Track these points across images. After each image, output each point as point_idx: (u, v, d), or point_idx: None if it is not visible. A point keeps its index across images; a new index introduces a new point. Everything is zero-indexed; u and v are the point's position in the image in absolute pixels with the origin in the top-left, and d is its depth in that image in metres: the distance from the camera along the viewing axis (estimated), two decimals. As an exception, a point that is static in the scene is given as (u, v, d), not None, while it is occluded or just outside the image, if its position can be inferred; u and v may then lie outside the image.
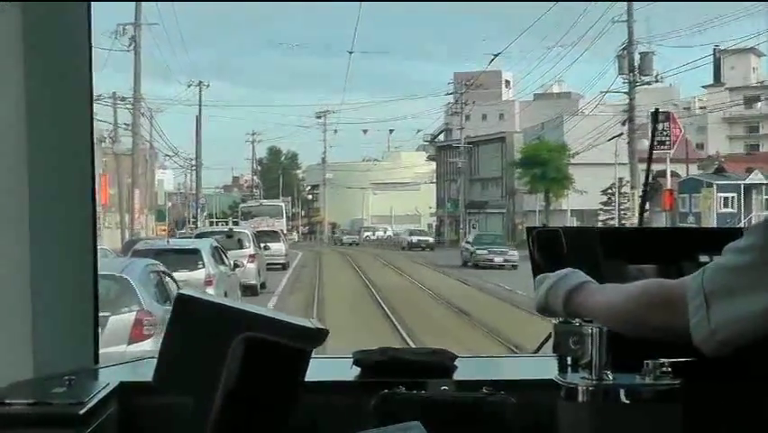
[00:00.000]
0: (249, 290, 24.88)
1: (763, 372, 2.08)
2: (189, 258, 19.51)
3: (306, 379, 2.31)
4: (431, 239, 72.26)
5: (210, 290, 18.18)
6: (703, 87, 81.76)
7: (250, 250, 27.79)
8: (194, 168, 62.22)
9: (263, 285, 28.43)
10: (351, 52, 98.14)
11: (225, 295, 19.24)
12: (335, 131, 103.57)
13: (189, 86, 64.13)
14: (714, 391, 2.41)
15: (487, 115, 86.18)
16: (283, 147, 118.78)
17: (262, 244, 33.32)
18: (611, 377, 2.28)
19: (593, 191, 60.78)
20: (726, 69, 78.21)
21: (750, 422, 2.40)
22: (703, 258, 2.66)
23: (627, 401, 2.27)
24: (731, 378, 2.28)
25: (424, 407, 2.35)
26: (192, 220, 53.62)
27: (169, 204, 74.53)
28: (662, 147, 40.95)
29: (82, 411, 2.14)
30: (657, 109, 3.85)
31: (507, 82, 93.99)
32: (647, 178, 3.44)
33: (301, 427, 2.34)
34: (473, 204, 77.36)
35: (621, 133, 48.71)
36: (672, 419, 2.26)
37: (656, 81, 49.18)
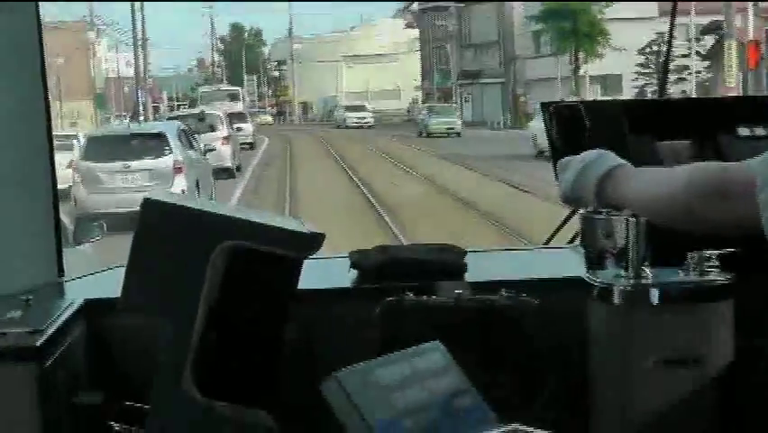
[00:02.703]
0: (225, 173, 24.86)
1: None
2: (154, 144, 18.65)
3: (299, 287, 2.18)
4: (368, 116, 68.32)
5: (179, 178, 17.90)
6: None
7: (223, 132, 27.67)
8: (141, 45, 59.66)
9: (239, 168, 28.57)
10: None
11: (197, 183, 18.95)
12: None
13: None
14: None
15: None
16: (247, 23, 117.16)
17: (234, 125, 33.52)
18: (650, 274, 2.17)
19: (629, 52, 51.12)
20: None
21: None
22: (743, 131, 2.53)
23: (671, 301, 2.16)
24: None
25: (437, 316, 2.23)
26: (140, 109, 51.21)
27: (125, 89, 72.43)
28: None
29: (40, 342, 1.98)
30: None
31: None
32: (671, 31, 3.25)
33: (296, 343, 2.22)
34: (466, 74, 70.11)
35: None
36: (724, 319, 2.15)
37: None
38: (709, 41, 48.85)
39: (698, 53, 49.32)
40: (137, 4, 52.79)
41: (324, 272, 2.59)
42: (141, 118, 42.27)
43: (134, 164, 18.04)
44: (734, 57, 30.44)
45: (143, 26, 56.17)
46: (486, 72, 67.14)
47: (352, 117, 68.18)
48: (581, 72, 53.27)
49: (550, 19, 53.61)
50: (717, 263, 2.17)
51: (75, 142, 23.74)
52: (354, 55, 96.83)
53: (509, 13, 66.23)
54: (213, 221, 1.92)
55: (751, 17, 31.71)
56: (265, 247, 1.92)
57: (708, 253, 2.16)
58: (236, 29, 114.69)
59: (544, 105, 2.52)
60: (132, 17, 51.07)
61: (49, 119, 2.61)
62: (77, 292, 2.44)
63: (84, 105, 60.47)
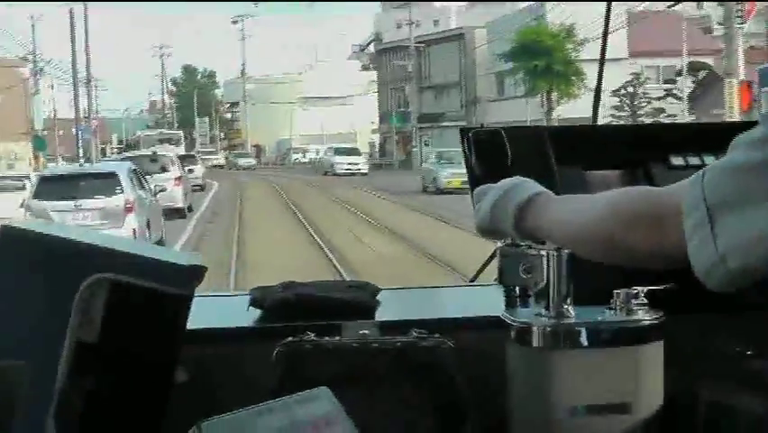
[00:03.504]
0: (176, 213, 25.88)
1: (764, 298, 1.80)
2: (106, 183, 19.20)
3: (191, 326, 2.03)
4: (361, 163, 61.92)
5: (130, 217, 18.48)
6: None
7: (175, 172, 28.50)
8: (88, 86, 58.09)
9: (190, 208, 29.53)
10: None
11: (148, 223, 19.47)
12: (248, 38, 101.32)
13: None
14: (701, 324, 2.18)
15: (420, 23, 79.67)
16: (200, 64, 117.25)
17: (186, 167, 34.67)
18: (573, 312, 2.04)
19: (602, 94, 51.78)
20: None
21: (746, 362, 2.17)
22: (676, 160, 2.43)
23: (595, 343, 2.03)
24: (721, 308, 2.03)
25: (339, 357, 2.08)
26: (81, 153, 50.10)
27: (63, 132, 71.17)
28: (733, 20, 30.38)
29: None
30: None
31: None
32: (603, 53, 3.16)
33: (186, 387, 2.07)
34: (425, 117, 69.65)
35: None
36: (654, 361, 2.02)
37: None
38: (684, 82, 48.96)
39: (673, 95, 49.54)
40: (80, 39, 52.17)
41: (222, 311, 2.45)
42: (82, 159, 42.28)
43: (85, 203, 18.64)
44: (735, 98, 29.52)
45: (88, 64, 55.60)
46: (447, 115, 66.39)
47: (343, 163, 60.71)
48: (554, 115, 50.81)
49: (522, 57, 51.59)
50: (645, 301, 2.04)
51: (27, 182, 24.73)
52: (308, 97, 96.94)
53: (471, 53, 65.95)
54: (80, 250, 1.77)
55: (741, 55, 30.72)
56: (136, 280, 1.76)
57: (635, 289, 2.04)
58: (189, 71, 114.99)
59: (463, 131, 2.39)
60: (72, 49, 50.36)
61: None
62: None
63: (22, 147, 58.89)
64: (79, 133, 50.13)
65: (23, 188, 24.06)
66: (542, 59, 49.96)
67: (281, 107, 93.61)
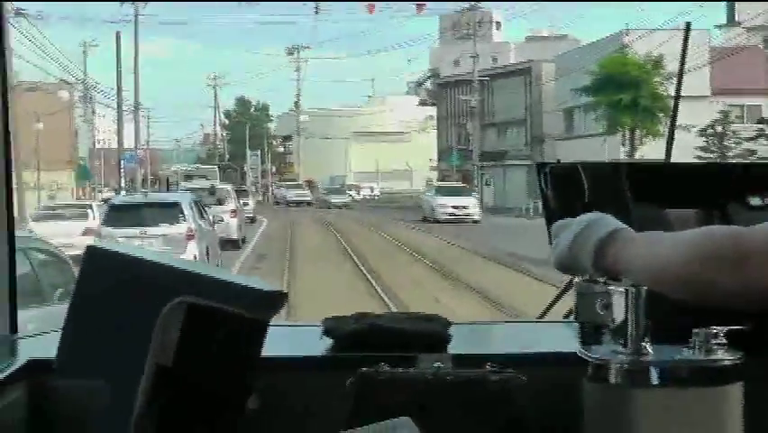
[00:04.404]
0: (230, 244, 27.70)
1: None
2: (169, 212, 20.81)
3: (265, 354, 2.09)
4: (471, 206, 47.38)
5: (192, 245, 20.01)
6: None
7: (231, 205, 30.90)
8: (135, 113, 57.52)
9: (244, 239, 31.43)
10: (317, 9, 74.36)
11: (207, 251, 20.95)
12: (303, 69, 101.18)
13: (122, 3, 54.88)
14: None
15: (479, 58, 78.55)
16: (253, 97, 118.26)
17: (241, 201, 36.62)
18: (651, 351, 2.06)
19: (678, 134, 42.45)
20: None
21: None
22: (755, 201, 2.45)
23: (674, 383, 2.06)
24: None
25: (414, 389, 2.12)
26: (126, 185, 50.40)
27: (114, 161, 71.11)
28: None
29: None
30: (689, 23, 3.56)
31: (498, 24, 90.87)
32: (677, 99, 3.20)
33: (260, 414, 2.12)
34: (487, 155, 65.92)
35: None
36: (732, 403, 2.04)
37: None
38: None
39: (765, 135, 46.05)
40: (128, 67, 52.16)
41: (296, 340, 2.50)
42: (123, 191, 43.36)
43: (151, 230, 20.39)
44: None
45: (136, 90, 55.46)
46: (511, 154, 64.05)
47: (447, 206, 46.65)
48: (637, 155, 45.18)
49: (605, 90, 46.36)
50: (724, 341, 2.06)
51: (89, 211, 27.20)
52: (364, 132, 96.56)
53: (538, 88, 63.67)
54: (164, 275, 1.83)
55: None
56: (220, 305, 1.82)
57: (715, 329, 2.06)
58: (242, 103, 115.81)
59: (540, 166, 2.44)
60: (118, 74, 50.29)
61: (8, 184, 2.61)
62: (29, 351, 2.36)
63: (65, 176, 58.09)
64: (122, 162, 50.52)
65: (86, 216, 26.14)
66: (627, 93, 45.24)
67: (335, 142, 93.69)
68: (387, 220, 46.99)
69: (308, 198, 75.70)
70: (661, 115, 44.02)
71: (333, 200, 70.92)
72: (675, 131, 3.16)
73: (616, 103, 45.62)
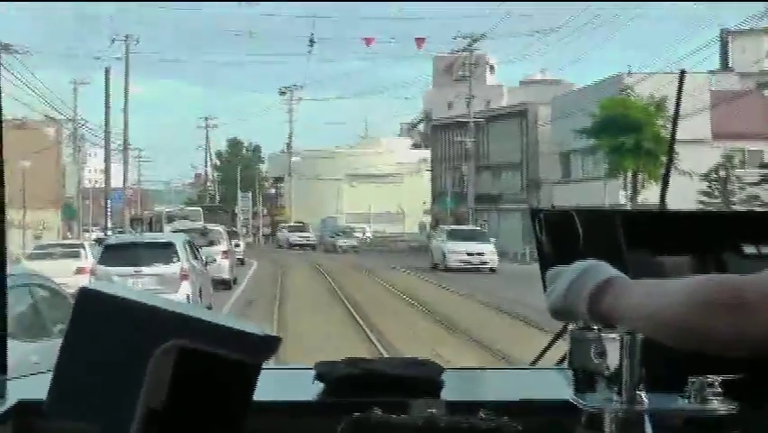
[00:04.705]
0: (222, 285, 28.52)
1: None
2: (163, 252, 21.38)
3: (256, 398, 2.08)
4: (488, 253, 43.74)
5: (185, 285, 20.47)
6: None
7: (223, 246, 31.79)
8: (124, 153, 57.27)
9: (235, 280, 32.41)
10: (311, 43, 74.46)
11: (200, 290, 21.46)
12: (295, 111, 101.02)
13: (113, 41, 57.99)
14: None
15: (474, 100, 77.66)
16: (245, 138, 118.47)
17: (233, 242, 37.99)
18: (645, 399, 2.07)
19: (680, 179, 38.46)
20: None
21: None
22: (749, 249, 2.47)
23: (668, 432, 2.06)
24: None
25: None
26: (113, 224, 50.36)
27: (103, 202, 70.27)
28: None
29: None
30: (684, 70, 3.62)
31: (492, 67, 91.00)
32: (671, 147, 3.23)
33: None
34: (483, 198, 65.90)
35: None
36: None
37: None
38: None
39: None
40: (116, 106, 52.35)
41: (286, 384, 2.51)
42: (109, 231, 43.78)
43: (145, 269, 20.97)
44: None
45: (126, 129, 55.41)
46: (506, 197, 63.73)
47: (460, 253, 42.81)
48: (639, 200, 44.42)
49: (606, 132, 45.15)
50: (720, 390, 2.07)
51: (81, 250, 28.14)
52: (356, 174, 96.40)
53: (534, 131, 63.63)
54: (157, 316, 1.84)
55: None
56: (212, 348, 1.83)
57: (710, 378, 2.06)
58: (234, 144, 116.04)
59: (534, 212, 2.46)
60: (106, 111, 50.38)
61: (2, 224, 2.61)
62: (18, 392, 2.36)
63: (51, 215, 57.21)
64: (109, 201, 50.57)
65: (78, 255, 27.05)
66: (630, 136, 44.03)
67: (327, 183, 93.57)
68: (396, 272, 42.37)
69: (313, 242, 73.56)
70: (664, 158, 39.59)
71: (340, 243, 68.46)
72: (670, 177, 3.19)
73: (618, 146, 44.65)
